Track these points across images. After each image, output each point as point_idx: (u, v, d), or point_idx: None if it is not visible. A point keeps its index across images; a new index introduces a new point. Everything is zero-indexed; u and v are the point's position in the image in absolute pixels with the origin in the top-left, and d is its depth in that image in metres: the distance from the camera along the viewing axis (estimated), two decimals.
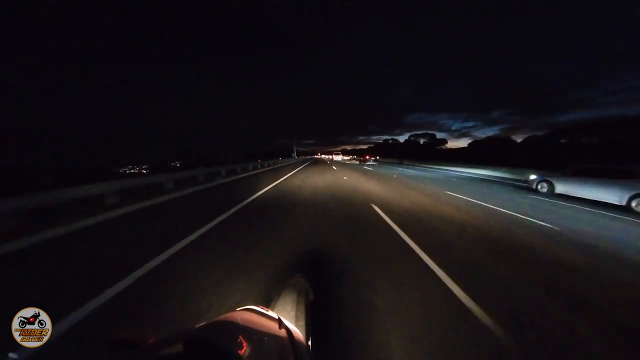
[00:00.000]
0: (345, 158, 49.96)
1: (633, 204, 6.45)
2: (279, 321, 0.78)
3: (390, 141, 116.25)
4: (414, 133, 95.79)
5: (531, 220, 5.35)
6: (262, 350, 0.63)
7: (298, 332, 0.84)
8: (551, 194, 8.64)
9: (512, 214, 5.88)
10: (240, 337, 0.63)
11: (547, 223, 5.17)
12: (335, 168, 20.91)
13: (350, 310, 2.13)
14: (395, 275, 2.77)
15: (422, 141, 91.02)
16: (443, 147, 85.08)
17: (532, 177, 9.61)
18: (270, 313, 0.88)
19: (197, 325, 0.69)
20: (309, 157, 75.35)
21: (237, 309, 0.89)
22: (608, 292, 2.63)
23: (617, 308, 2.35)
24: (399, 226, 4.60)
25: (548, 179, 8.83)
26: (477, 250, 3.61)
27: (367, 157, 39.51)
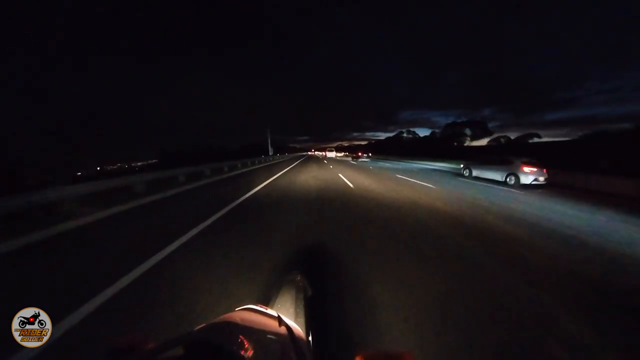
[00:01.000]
0: (339, 155, 52.40)
1: (507, 179, 10.41)
2: (279, 319, 0.80)
3: (404, 135, 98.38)
4: (453, 121, 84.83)
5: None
6: (264, 349, 0.63)
7: (298, 329, 0.87)
8: (470, 176, 12.61)
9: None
10: (241, 337, 0.63)
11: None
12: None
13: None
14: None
15: (468, 131, 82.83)
16: (463, 144, 78.17)
17: (461, 165, 13.60)
18: (269, 311, 0.89)
19: (196, 328, 0.68)
20: (302, 153, 76.09)
21: (236, 309, 0.91)
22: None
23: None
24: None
25: (469, 166, 12.80)
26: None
27: (360, 153, 41.13)
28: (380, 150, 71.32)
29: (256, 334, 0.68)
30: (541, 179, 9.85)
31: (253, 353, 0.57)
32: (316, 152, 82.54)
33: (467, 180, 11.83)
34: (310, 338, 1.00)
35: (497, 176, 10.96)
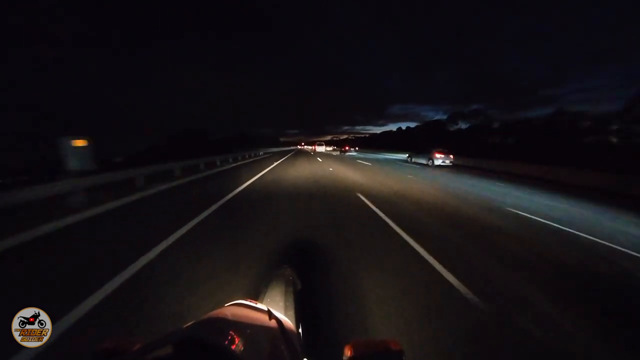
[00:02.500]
0: (329, 149, 53.80)
1: (429, 162, 16.22)
2: (269, 312, 0.80)
3: (459, 126, 56.48)
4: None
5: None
6: (254, 343, 0.64)
7: (288, 322, 0.89)
8: (411, 162, 18.41)
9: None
10: (231, 332, 0.63)
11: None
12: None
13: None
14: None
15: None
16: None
17: (406, 155, 19.48)
18: (259, 305, 0.90)
19: (185, 325, 0.67)
20: (291, 148, 71.10)
21: (226, 305, 0.91)
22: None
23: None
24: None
25: (412, 155, 18.60)
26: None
27: (347, 147, 43.62)
28: (370, 145, 72.65)
29: (246, 329, 0.69)
30: (447, 161, 15.73)
31: (244, 348, 0.58)
32: (306, 146, 79.57)
33: (407, 164, 17.61)
34: (300, 330, 1.03)
35: (424, 161, 16.81)
